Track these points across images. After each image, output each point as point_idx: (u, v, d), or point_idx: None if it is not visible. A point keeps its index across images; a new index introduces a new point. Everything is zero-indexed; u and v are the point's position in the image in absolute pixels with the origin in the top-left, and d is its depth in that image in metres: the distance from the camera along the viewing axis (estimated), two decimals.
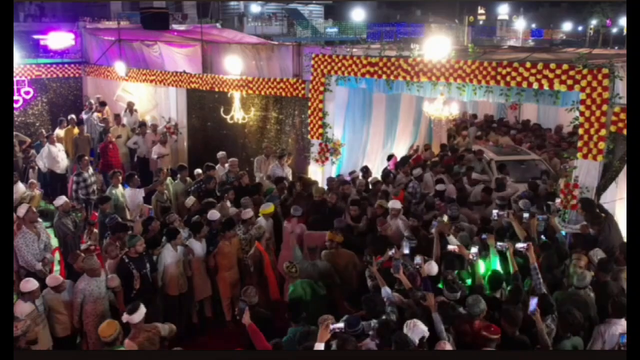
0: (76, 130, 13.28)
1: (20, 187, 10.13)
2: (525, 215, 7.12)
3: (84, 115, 14.28)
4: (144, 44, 14.15)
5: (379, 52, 9.52)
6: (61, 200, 8.51)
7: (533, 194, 8.88)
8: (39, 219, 8.11)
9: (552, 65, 7.68)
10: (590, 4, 47.10)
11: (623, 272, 6.13)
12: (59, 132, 13.15)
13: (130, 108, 14.13)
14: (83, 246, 8.14)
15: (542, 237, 7.15)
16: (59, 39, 15.37)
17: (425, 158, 11.80)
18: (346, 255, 7.13)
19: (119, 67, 13.81)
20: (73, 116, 13.66)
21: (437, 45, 8.93)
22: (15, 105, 14.07)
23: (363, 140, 11.46)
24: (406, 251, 6.36)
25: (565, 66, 7.58)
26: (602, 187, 7.60)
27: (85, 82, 15.45)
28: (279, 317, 6.16)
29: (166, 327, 5.81)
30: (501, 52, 10.00)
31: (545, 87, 7.79)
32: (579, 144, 7.65)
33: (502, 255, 6.30)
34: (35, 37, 15.40)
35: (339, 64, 9.87)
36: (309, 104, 10.46)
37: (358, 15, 44.60)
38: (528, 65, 7.90)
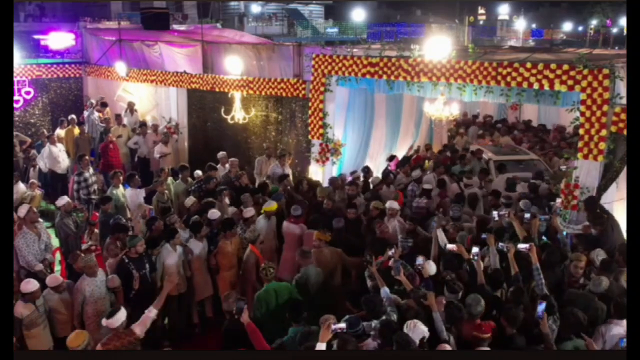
0: (77, 130, 13.30)
1: (20, 187, 10.15)
2: (527, 215, 7.13)
3: (85, 114, 14.28)
4: (145, 44, 14.15)
5: (380, 53, 9.52)
6: (63, 200, 8.51)
7: (534, 195, 8.88)
8: (40, 219, 8.12)
9: (553, 66, 7.68)
10: (590, 4, 47.05)
11: (623, 274, 6.13)
12: (60, 132, 13.16)
13: (130, 108, 14.13)
14: (84, 246, 8.13)
15: (544, 237, 7.15)
16: (60, 39, 15.39)
17: (425, 158, 11.80)
18: (331, 253, 7.10)
19: (120, 67, 13.82)
20: (73, 116, 13.67)
21: (437, 45, 8.92)
22: (15, 105, 14.10)
23: (364, 141, 11.46)
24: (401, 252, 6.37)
25: (565, 66, 7.58)
26: (602, 188, 7.60)
27: (85, 82, 15.46)
28: None
29: (141, 326, 5.50)
30: (502, 53, 9.99)
31: (546, 87, 7.79)
32: (580, 144, 7.64)
33: (502, 255, 6.31)
34: (36, 37, 15.43)
35: (340, 64, 9.87)
36: (310, 104, 10.46)
37: (358, 15, 44.59)
38: (529, 65, 7.90)
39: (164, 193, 9.50)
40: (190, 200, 8.77)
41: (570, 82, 7.56)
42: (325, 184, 9.93)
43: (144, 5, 23.21)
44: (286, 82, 10.99)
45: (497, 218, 7.20)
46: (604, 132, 7.37)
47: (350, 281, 7.28)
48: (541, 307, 5.00)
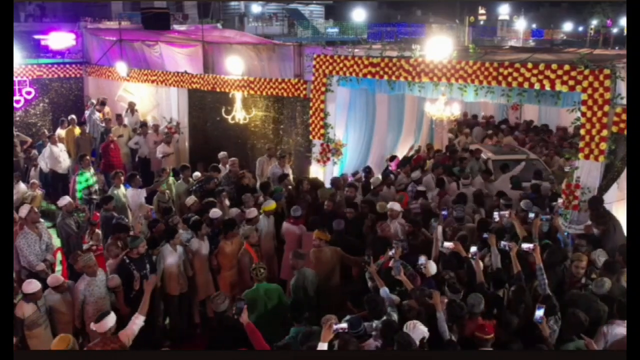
0: (77, 130, 13.29)
1: (21, 187, 10.16)
2: (531, 215, 7.13)
3: (86, 114, 14.29)
4: (145, 44, 14.16)
5: (381, 53, 9.52)
6: (65, 200, 8.50)
7: (536, 195, 8.88)
8: (41, 220, 8.12)
9: (554, 66, 7.68)
10: (590, 4, 47.03)
11: (623, 274, 6.13)
12: (60, 132, 13.17)
13: (131, 108, 14.13)
14: (85, 246, 8.14)
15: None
16: (60, 39, 15.38)
17: (426, 158, 11.79)
18: (331, 252, 7.10)
19: (120, 67, 13.82)
20: (74, 116, 13.67)
21: (438, 45, 8.91)
22: (16, 106, 14.11)
23: (365, 141, 11.45)
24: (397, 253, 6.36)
25: (566, 67, 7.58)
26: (603, 188, 7.59)
27: (86, 82, 15.47)
28: None
29: (128, 334, 5.45)
30: (502, 53, 9.98)
31: (547, 87, 7.79)
32: (581, 144, 7.64)
33: (504, 254, 6.31)
34: (36, 37, 15.41)
35: (341, 65, 9.87)
36: (311, 104, 10.46)
37: (359, 15, 44.60)
38: (529, 65, 7.90)
39: (164, 193, 9.51)
40: (191, 200, 8.78)
41: (571, 83, 7.56)
42: (327, 184, 9.92)
43: (144, 6, 23.21)
44: (287, 82, 10.99)
45: (497, 219, 7.20)
46: (605, 133, 7.36)
47: (352, 281, 7.27)
48: (539, 312, 5.00)
